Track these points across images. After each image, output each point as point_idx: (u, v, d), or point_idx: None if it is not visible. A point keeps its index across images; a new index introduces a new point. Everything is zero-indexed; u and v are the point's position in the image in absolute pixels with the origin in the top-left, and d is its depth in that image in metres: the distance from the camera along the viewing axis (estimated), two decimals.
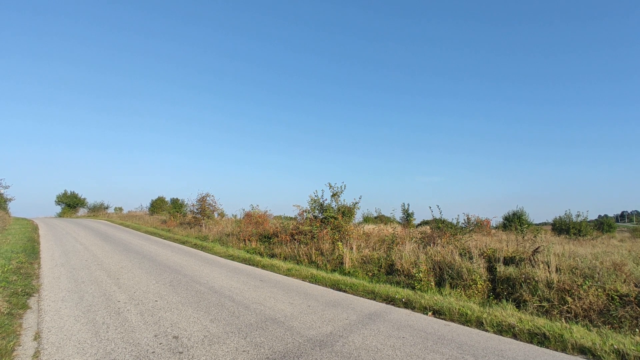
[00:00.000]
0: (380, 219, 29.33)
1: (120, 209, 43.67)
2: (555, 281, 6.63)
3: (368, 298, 7.10)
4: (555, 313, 6.09)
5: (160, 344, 4.38)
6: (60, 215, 43.35)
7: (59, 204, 45.15)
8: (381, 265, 9.46)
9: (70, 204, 44.90)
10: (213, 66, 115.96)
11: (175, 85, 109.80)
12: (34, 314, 5.46)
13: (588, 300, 6.04)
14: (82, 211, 45.03)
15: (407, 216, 27.99)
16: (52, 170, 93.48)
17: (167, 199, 39.93)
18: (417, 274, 8.01)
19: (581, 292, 6.19)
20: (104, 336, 4.60)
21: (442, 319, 5.90)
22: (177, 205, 32.47)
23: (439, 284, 7.94)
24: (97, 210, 43.36)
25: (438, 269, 8.28)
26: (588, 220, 25.77)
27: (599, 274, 6.63)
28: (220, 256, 12.17)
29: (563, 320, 5.62)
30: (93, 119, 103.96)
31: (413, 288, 7.71)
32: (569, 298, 6.20)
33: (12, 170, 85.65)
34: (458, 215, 14.65)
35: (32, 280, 7.64)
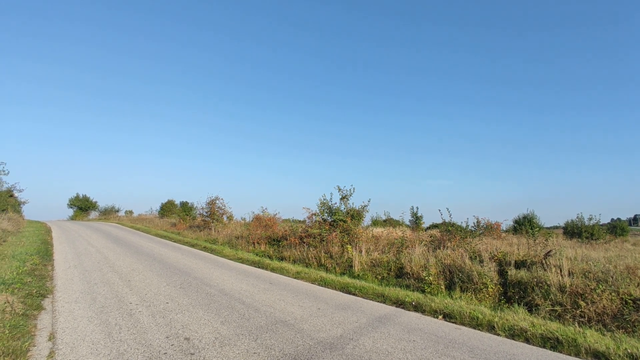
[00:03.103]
0: (389, 222, 29.17)
1: (131, 212, 44.25)
2: (568, 285, 6.55)
3: (378, 301, 7.08)
4: (568, 317, 6.01)
5: (172, 345, 4.42)
6: (72, 218, 43.98)
7: (71, 207, 45.90)
8: (390, 269, 9.43)
9: (82, 207, 45.59)
10: (223, 70, 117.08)
11: (185, 89, 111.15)
12: (49, 315, 5.55)
13: (601, 305, 5.96)
14: (93, 214, 45.70)
15: (416, 219, 27.84)
16: (64, 174, 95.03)
17: (177, 202, 40.42)
18: (426, 277, 7.97)
19: (594, 296, 6.11)
20: (116, 337, 4.66)
21: (452, 322, 5.86)
22: (186, 208, 32.79)
23: (449, 287, 7.89)
24: (108, 213, 43.94)
25: (448, 273, 8.23)
26: (600, 223, 25.32)
27: (612, 277, 6.54)
28: (230, 259, 12.23)
29: (576, 325, 5.54)
30: (104, 123, 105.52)
31: (423, 291, 7.67)
32: (582, 302, 6.11)
33: (26, 173, 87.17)
34: (467, 218, 14.45)
35: (46, 281, 7.77)
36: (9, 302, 5.62)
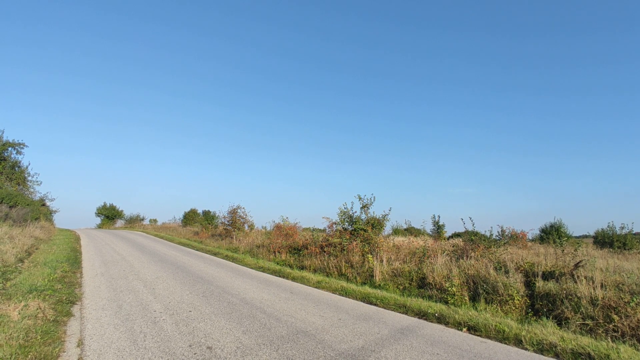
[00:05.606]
0: (410, 231, 28.86)
1: (155, 220, 45.28)
2: (600, 298, 6.29)
3: (399, 312, 6.97)
4: (600, 332, 5.76)
5: (194, 354, 4.48)
6: (99, 227, 45.38)
7: (99, 216, 47.42)
8: (412, 279, 9.28)
9: (109, 215, 47.04)
10: (243, 83, 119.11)
11: (206, 102, 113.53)
12: (77, 322, 5.72)
13: (636, 318, 5.69)
14: (119, 222, 47.02)
15: (438, 228, 27.38)
16: (92, 183, 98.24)
17: (199, 211, 41.07)
18: (450, 288, 7.81)
19: (628, 309, 5.84)
20: (141, 345, 4.76)
21: (477, 335, 5.71)
22: (208, 217, 33.27)
23: (473, 298, 7.70)
24: (134, 222, 45.11)
25: (472, 283, 8.04)
26: (633, 232, 24.22)
27: None
28: (251, 268, 12.32)
29: (609, 340, 5.30)
30: (128, 133, 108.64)
31: (446, 302, 7.51)
32: (615, 316, 5.85)
33: (56, 183, 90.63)
34: (491, 227, 13.95)
35: (74, 288, 8.02)
36: (41, 309, 5.84)
